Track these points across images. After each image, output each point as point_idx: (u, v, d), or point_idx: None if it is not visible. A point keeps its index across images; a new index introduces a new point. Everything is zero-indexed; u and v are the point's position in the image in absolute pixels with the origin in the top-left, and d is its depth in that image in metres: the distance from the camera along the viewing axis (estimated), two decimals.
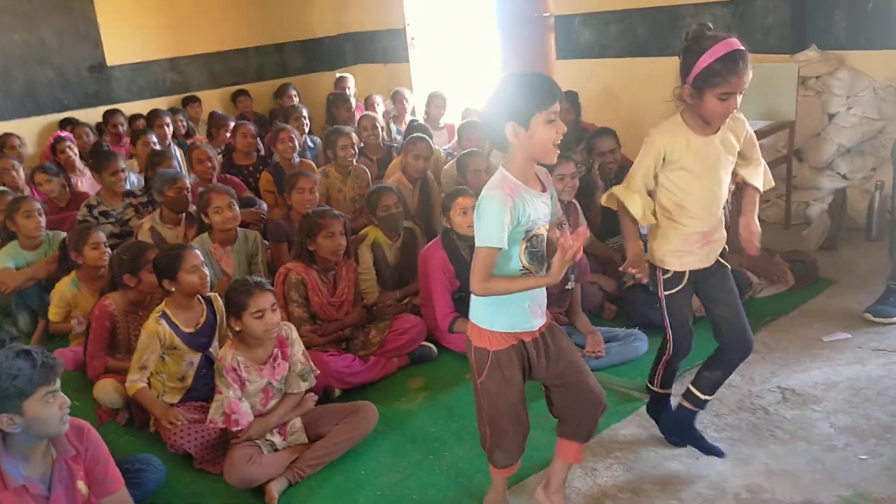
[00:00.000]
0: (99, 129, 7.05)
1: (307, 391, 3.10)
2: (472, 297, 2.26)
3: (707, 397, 2.70)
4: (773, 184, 2.67)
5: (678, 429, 2.81)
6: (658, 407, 2.89)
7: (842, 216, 4.71)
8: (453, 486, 2.79)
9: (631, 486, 2.66)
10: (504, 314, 2.23)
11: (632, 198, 2.51)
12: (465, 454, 2.95)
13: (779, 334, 3.63)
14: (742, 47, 2.29)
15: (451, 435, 3.11)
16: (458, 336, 3.75)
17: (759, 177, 2.61)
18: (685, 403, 2.74)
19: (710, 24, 2.38)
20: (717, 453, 2.74)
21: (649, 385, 2.88)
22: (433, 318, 3.83)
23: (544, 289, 2.26)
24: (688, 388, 2.73)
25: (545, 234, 2.20)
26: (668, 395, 2.86)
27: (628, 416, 3.07)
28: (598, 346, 3.49)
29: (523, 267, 2.18)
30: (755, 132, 4.93)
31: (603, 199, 2.69)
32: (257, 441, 2.89)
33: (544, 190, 2.21)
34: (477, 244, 2.11)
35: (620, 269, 3.62)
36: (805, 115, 4.93)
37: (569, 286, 3.63)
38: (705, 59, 2.28)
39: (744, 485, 2.60)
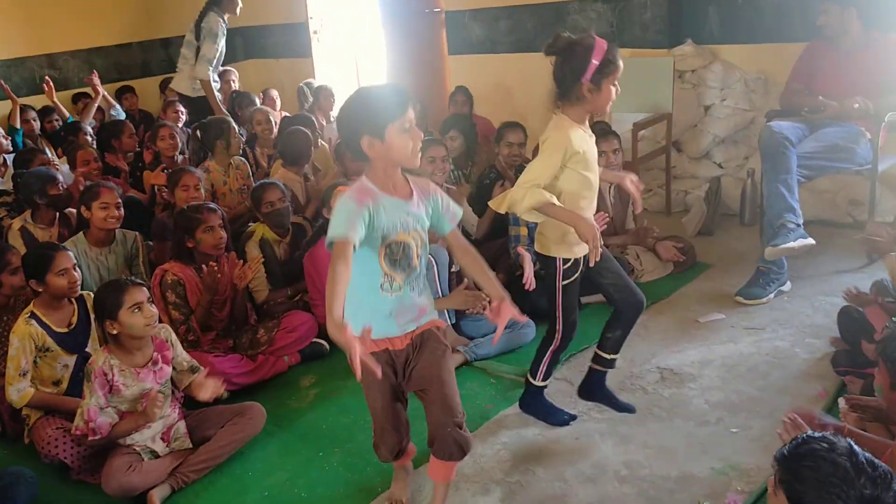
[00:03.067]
0: None
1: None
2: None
3: (613, 356, 2.87)
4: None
5: (592, 391, 2.95)
6: (534, 400, 2.98)
7: (717, 203, 4.93)
8: (343, 481, 2.77)
9: (518, 470, 2.72)
10: (367, 319, 2.16)
11: (541, 192, 2.50)
12: (356, 448, 2.94)
13: (658, 317, 3.77)
14: None
15: (343, 430, 3.09)
16: None
17: None
18: (595, 366, 2.91)
19: (587, 27, 2.50)
20: (629, 409, 2.93)
21: (531, 380, 2.93)
22: (325, 314, 3.78)
23: (413, 296, 2.24)
24: (595, 352, 2.89)
25: (410, 241, 2.18)
26: (545, 387, 2.96)
27: (516, 402, 3.12)
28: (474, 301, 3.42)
29: (385, 272, 2.17)
30: (635, 124, 5.14)
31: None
32: (137, 448, 2.79)
33: (410, 197, 2.20)
34: None
35: (513, 251, 3.70)
36: (682, 107, 5.14)
37: (453, 269, 3.67)
38: (598, 55, 2.43)
39: (623, 462, 2.69)
